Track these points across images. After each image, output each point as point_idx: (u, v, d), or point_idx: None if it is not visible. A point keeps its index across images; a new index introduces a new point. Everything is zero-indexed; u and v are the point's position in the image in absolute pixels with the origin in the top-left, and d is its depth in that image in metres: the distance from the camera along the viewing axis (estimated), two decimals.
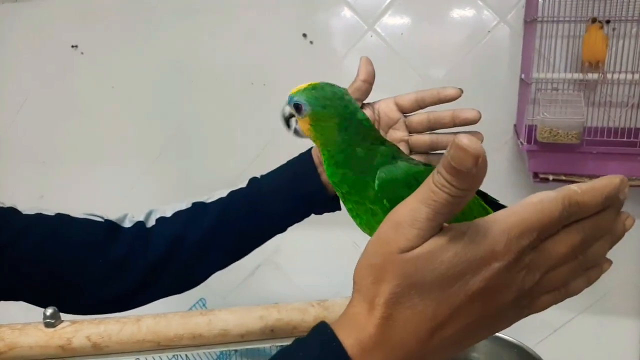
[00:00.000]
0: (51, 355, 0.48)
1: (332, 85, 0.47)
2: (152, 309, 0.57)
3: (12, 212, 0.59)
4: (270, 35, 1.29)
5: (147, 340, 0.48)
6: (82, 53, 1.40)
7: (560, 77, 1.01)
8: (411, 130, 0.59)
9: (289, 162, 0.67)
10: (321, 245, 1.37)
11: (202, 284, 0.65)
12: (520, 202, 0.32)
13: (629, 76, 1.00)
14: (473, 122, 0.56)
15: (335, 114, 0.45)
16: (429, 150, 0.60)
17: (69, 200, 1.49)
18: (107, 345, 0.49)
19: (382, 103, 0.60)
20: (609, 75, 1.01)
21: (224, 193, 0.65)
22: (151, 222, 0.64)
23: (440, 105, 0.63)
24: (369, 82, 0.58)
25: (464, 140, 0.27)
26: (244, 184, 0.66)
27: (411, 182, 0.42)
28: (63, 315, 0.51)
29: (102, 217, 0.63)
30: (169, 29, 1.34)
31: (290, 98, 0.46)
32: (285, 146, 1.26)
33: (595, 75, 1.01)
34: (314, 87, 0.46)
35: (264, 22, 1.29)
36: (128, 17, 1.35)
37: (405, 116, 0.59)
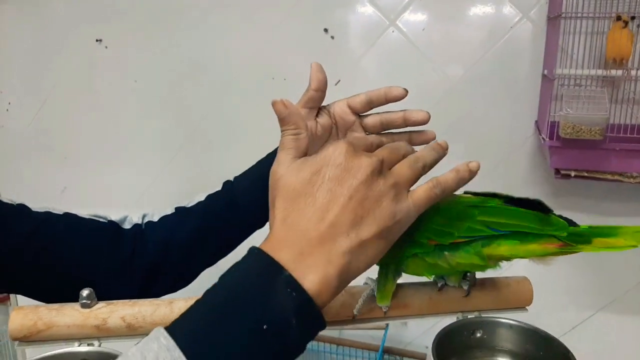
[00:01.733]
0: (87, 334, 0.49)
1: None
2: (183, 292, 0.59)
3: (22, 210, 0.61)
4: (292, 31, 1.30)
5: None
6: (106, 47, 1.42)
7: (584, 73, 1.00)
8: (367, 132, 0.59)
9: (259, 161, 0.69)
10: None
11: None
12: None
13: None
14: (422, 122, 0.57)
15: None
16: None
17: (89, 194, 1.52)
18: (141, 326, 0.50)
19: (336, 106, 0.60)
20: (633, 72, 1.00)
21: (202, 197, 0.68)
22: (144, 226, 0.67)
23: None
24: (322, 90, 0.57)
25: (274, 100, 0.43)
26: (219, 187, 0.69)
27: None
28: None
29: (106, 218, 0.66)
30: (191, 25, 1.35)
31: None
32: None
33: (620, 72, 1.01)
34: None
35: (286, 17, 1.29)
36: (151, 13, 1.37)
37: (360, 116, 0.60)
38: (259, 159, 0.68)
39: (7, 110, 1.51)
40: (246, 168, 0.70)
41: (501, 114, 1.24)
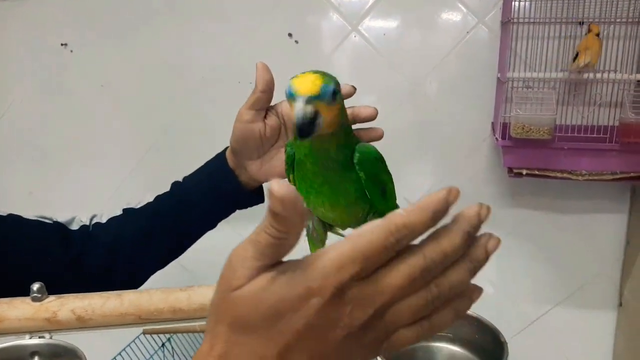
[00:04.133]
0: (38, 327, 0.51)
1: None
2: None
3: None
4: (257, 35, 1.33)
5: (129, 313, 0.50)
6: (71, 51, 1.43)
7: (533, 76, 1.05)
8: None
9: (206, 163, 0.71)
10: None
11: None
12: (350, 234, 0.31)
13: (599, 75, 1.04)
14: (371, 118, 0.58)
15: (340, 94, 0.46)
16: None
17: (57, 197, 1.52)
18: (91, 318, 0.52)
19: (284, 106, 0.61)
20: (585, 75, 1.04)
21: (150, 198, 0.69)
22: (91, 227, 0.68)
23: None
24: (269, 91, 0.58)
25: (273, 185, 0.28)
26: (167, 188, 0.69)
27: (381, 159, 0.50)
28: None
29: (51, 219, 0.67)
30: (158, 28, 1.37)
31: (324, 90, 0.42)
32: None
33: (567, 75, 1.06)
34: (323, 73, 0.44)
35: (251, 22, 1.32)
36: (117, 16, 1.38)
37: None
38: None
39: None
40: None
41: (461, 115, 1.28)
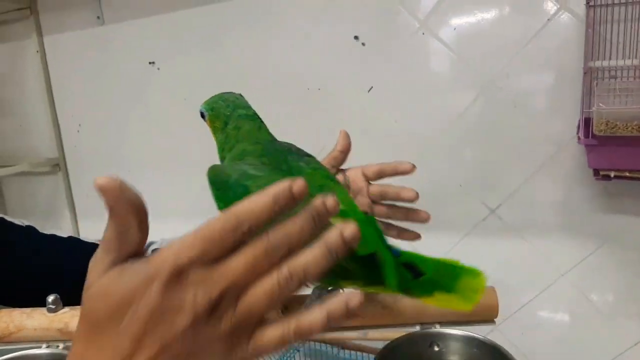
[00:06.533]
0: (51, 337, 0.54)
1: (229, 93, 0.57)
2: None
3: (29, 231, 0.68)
4: (323, 40, 1.31)
5: None
6: (158, 69, 1.52)
7: (618, 64, 0.91)
8: (371, 199, 0.67)
9: None
10: None
11: None
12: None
13: None
14: (408, 172, 0.65)
15: (218, 111, 0.54)
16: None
17: (154, 205, 1.62)
18: None
19: (352, 171, 0.68)
20: None
21: None
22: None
23: None
24: (345, 153, 0.68)
25: (97, 178, 0.30)
26: None
27: (218, 183, 0.48)
28: None
29: None
30: (230, 43, 1.41)
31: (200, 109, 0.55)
32: None
33: None
34: (213, 96, 0.55)
35: (316, 27, 1.31)
36: (195, 35, 1.45)
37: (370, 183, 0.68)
38: None
39: (78, 131, 1.67)
40: None
41: (544, 112, 1.16)
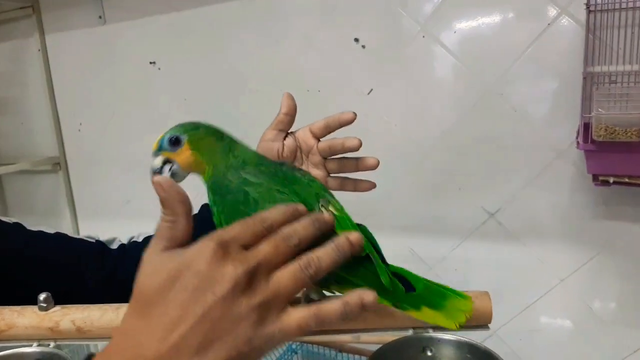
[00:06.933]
0: (42, 336, 0.54)
1: (187, 122, 0.55)
2: None
3: (18, 228, 0.68)
4: (323, 42, 1.31)
5: None
6: (159, 69, 1.53)
7: (618, 69, 0.91)
8: (322, 156, 0.67)
9: None
10: None
11: None
12: None
13: None
14: (355, 149, 0.65)
15: (207, 129, 0.53)
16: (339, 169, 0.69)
17: (152, 205, 1.62)
18: (90, 330, 0.53)
19: (300, 132, 0.68)
20: None
21: None
22: (127, 245, 0.72)
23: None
24: (291, 115, 0.67)
25: (154, 176, 0.35)
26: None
27: (217, 188, 0.51)
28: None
29: (94, 239, 0.72)
30: (231, 43, 1.41)
31: (160, 143, 0.52)
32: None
33: None
34: (175, 126, 0.53)
35: (316, 30, 1.31)
36: (196, 35, 1.45)
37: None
38: None
39: (79, 130, 1.67)
40: None
41: (543, 117, 1.15)
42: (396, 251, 1.33)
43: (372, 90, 1.28)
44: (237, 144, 0.55)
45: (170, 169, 0.52)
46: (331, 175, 0.68)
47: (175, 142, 0.51)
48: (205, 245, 0.34)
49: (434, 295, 0.48)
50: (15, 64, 1.72)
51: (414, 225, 1.31)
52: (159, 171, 0.51)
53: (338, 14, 1.28)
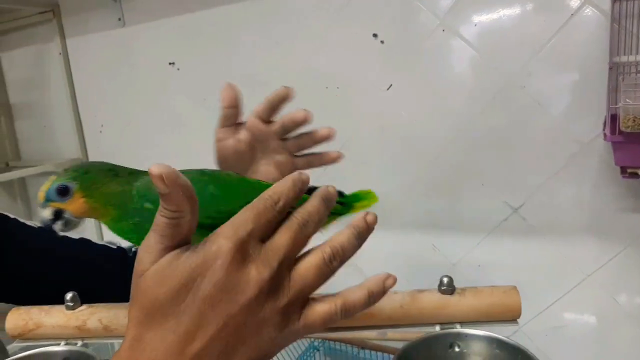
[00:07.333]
0: (69, 335, 0.54)
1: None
2: None
3: (40, 232, 0.69)
4: (341, 38, 1.30)
5: None
6: (178, 69, 1.53)
7: None
8: (280, 139, 0.64)
9: None
10: (401, 248, 1.34)
11: None
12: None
13: None
14: (305, 122, 0.62)
15: (98, 170, 0.47)
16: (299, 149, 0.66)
17: None
18: (117, 328, 0.54)
19: (248, 121, 0.63)
20: None
21: None
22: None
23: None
24: (234, 106, 0.62)
25: (151, 167, 0.30)
26: None
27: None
28: None
29: (116, 245, 0.73)
30: (248, 42, 1.41)
31: (47, 195, 0.45)
32: (360, 147, 1.27)
33: None
34: (60, 172, 0.46)
35: (335, 26, 1.30)
36: (215, 33, 1.45)
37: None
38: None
39: (101, 132, 1.69)
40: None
41: (568, 109, 1.13)
42: (419, 247, 1.32)
43: (391, 85, 1.27)
44: (138, 174, 0.50)
45: (63, 221, 0.46)
46: (296, 155, 0.65)
47: (63, 192, 0.45)
48: (221, 247, 0.31)
49: (353, 197, 0.54)
50: (37, 68, 1.75)
51: (436, 222, 1.30)
52: (51, 224, 0.46)
53: (356, 9, 1.27)
